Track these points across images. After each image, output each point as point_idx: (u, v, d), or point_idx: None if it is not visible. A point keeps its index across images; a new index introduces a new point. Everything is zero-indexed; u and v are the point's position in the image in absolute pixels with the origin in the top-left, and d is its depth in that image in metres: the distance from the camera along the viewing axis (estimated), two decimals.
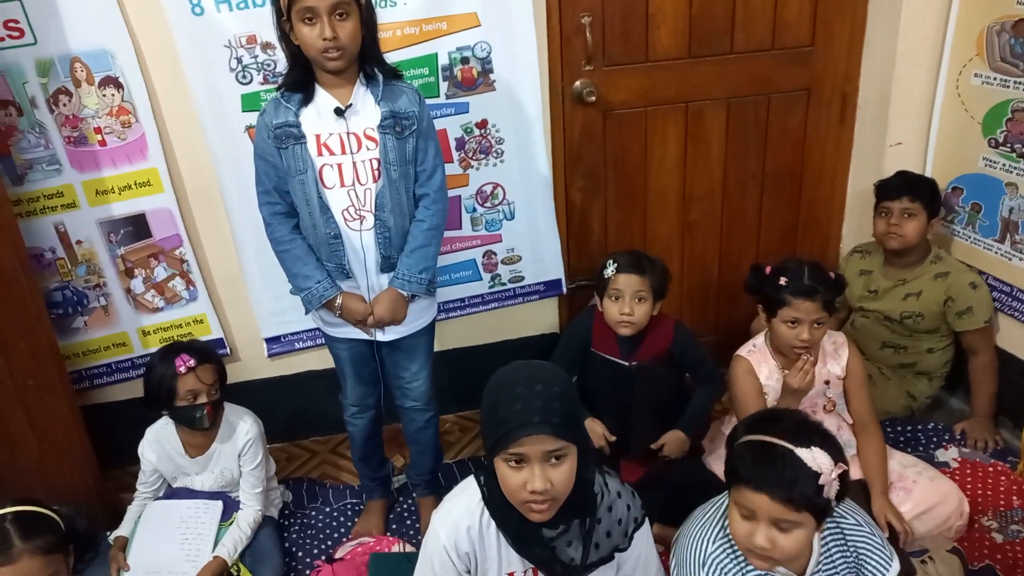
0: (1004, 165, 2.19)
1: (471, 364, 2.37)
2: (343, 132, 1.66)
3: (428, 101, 1.84)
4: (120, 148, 2.07)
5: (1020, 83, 2.10)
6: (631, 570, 1.44)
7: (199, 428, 1.93)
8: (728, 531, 1.42)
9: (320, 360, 2.37)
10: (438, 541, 1.36)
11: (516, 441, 1.20)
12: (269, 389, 2.41)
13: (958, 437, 2.22)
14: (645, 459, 2.05)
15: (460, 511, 1.36)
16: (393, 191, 1.69)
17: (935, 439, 2.23)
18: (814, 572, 1.41)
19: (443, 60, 2.11)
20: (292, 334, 2.35)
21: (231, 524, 1.95)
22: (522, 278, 2.44)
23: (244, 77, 2.02)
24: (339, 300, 1.76)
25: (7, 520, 1.30)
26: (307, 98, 1.66)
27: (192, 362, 1.87)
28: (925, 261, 2.27)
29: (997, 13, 2.12)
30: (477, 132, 2.22)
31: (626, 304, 1.92)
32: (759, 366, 2.00)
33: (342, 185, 1.69)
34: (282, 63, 1.82)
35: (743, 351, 2.04)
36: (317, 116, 1.66)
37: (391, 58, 1.85)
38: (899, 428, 2.27)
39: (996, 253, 2.26)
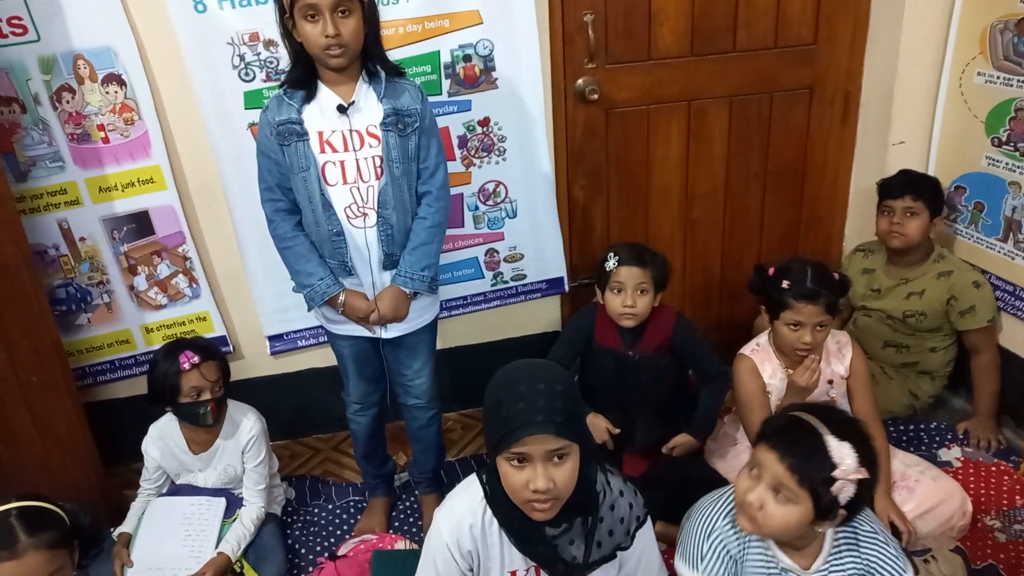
0: (1007, 164, 2.19)
1: (473, 362, 2.38)
2: (346, 129, 1.66)
3: (430, 99, 1.84)
4: (123, 145, 2.07)
5: (1023, 82, 2.10)
6: (633, 568, 1.44)
7: (202, 425, 1.93)
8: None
9: (323, 358, 2.37)
10: (441, 539, 1.36)
11: (519, 440, 1.20)
12: (272, 386, 2.41)
13: (961, 436, 2.21)
14: (648, 452, 2.06)
15: (463, 509, 1.36)
16: (396, 188, 1.69)
17: (938, 438, 2.23)
18: (820, 569, 1.41)
19: (445, 58, 2.11)
20: (295, 332, 2.36)
21: (234, 521, 1.96)
22: (524, 276, 2.44)
23: (247, 74, 2.02)
24: (342, 297, 1.76)
25: (12, 515, 1.30)
26: (310, 95, 1.66)
27: (196, 359, 1.87)
28: (928, 260, 2.27)
29: (1000, 11, 2.11)
30: (479, 130, 2.22)
31: (628, 296, 1.93)
32: (763, 365, 2.00)
33: (345, 182, 1.69)
34: (284, 60, 1.82)
35: (746, 350, 2.04)
36: (320, 113, 1.66)
37: (393, 55, 1.85)
38: (902, 427, 2.27)
39: (999, 252, 2.25)
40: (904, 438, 2.24)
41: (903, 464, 1.95)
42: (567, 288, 2.49)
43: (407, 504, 2.20)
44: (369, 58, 1.66)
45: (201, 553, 1.88)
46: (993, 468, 2.08)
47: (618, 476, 1.42)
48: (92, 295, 2.21)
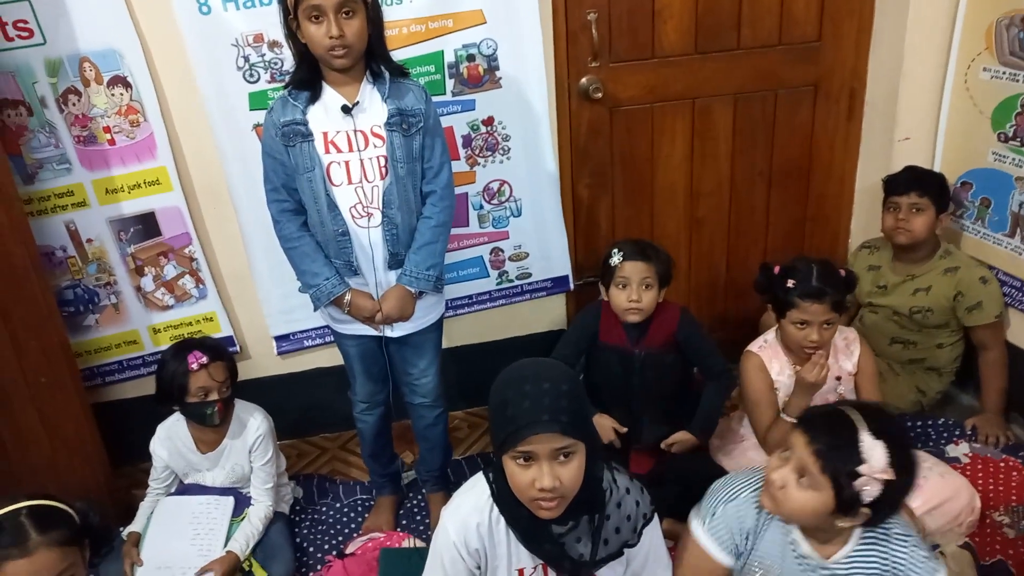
0: (1014, 159, 2.18)
1: (479, 361, 2.38)
2: (350, 130, 1.67)
3: (434, 98, 1.84)
4: (129, 147, 2.08)
5: None
6: (640, 566, 1.44)
7: (210, 425, 1.94)
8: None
9: (329, 357, 2.38)
10: (448, 538, 1.37)
11: (524, 439, 1.20)
12: (279, 386, 2.42)
13: (969, 432, 2.21)
14: (655, 450, 2.05)
15: (469, 508, 1.37)
16: (400, 188, 1.69)
17: (945, 435, 2.22)
18: (839, 561, 1.40)
19: (449, 57, 2.11)
20: (301, 332, 2.36)
21: (242, 520, 1.97)
22: (529, 275, 2.45)
23: (251, 76, 2.03)
24: (347, 297, 1.76)
25: (22, 514, 1.31)
26: (314, 96, 1.66)
27: (204, 359, 1.88)
28: (934, 256, 2.27)
29: (1006, 7, 2.10)
30: (484, 129, 2.22)
31: (633, 291, 1.93)
32: (770, 362, 2.00)
33: (349, 182, 1.69)
34: (289, 61, 1.83)
35: (754, 347, 2.04)
36: (324, 114, 1.66)
37: (397, 56, 1.85)
38: (909, 424, 2.26)
39: (1006, 248, 2.25)
40: (912, 434, 2.23)
41: None
42: (572, 286, 2.49)
43: (414, 502, 2.21)
44: (373, 58, 1.66)
45: (210, 552, 1.89)
46: (1001, 464, 2.07)
47: (624, 474, 1.42)
48: (99, 296, 2.23)
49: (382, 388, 1.99)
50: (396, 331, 1.83)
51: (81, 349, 2.24)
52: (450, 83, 2.14)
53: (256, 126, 2.05)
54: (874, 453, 1.27)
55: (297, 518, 2.17)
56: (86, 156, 2.07)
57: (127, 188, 2.12)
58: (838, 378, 2.00)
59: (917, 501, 1.84)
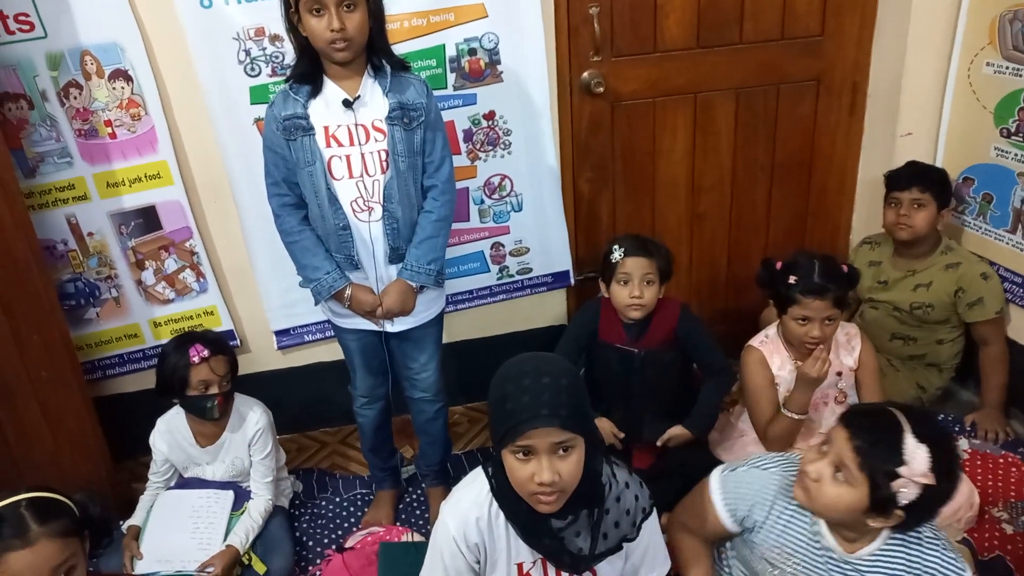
0: (1016, 155, 2.17)
1: (480, 356, 2.37)
2: (351, 124, 1.66)
3: (436, 93, 1.84)
4: (130, 141, 2.08)
5: None
6: (639, 560, 1.44)
7: (209, 418, 1.95)
8: (792, 490, 1.43)
9: (329, 352, 2.38)
10: (447, 532, 1.37)
11: (524, 434, 1.20)
12: (279, 380, 2.43)
13: (968, 428, 2.21)
14: (655, 446, 2.05)
15: (469, 502, 1.37)
16: (401, 182, 1.69)
17: None
18: (863, 558, 1.38)
19: (450, 51, 2.11)
20: (302, 327, 2.36)
21: (242, 513, 1.97)
22: (530, 270, 2.44)
23: (252, 69, 2.03)
24: (348, 291, 1.76)
25: (23, 505, 1.32)
26: (315, 90, 1.66)
27: (206, 353, 1.88)
28: (935, 252, 2.26)
29: (1010, 1, 2.09)
30: (485, 124, 2.22)
31: (635, 287, 1.93)
32: (771, 357, 2.00)
33: (350, 176, 1.69)
34: (290, 55, 1.82)
35: (755, 341, 2.04)
36: (325, 108, 1.66)
37: (398, 49, 1.85)
38: None
39: (1007, 244, 2.24)
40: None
41: None
42: (573, 281, 2.49)
43: (414, 497, 2.21)
44: (374, 52, 1.66)
45: (210, 545, 1.90)
46: (1001, 460, 2.07)
47: (624, 468, 1.43)
48: (100, 290, 2.23)
49: (382, 382, 1.99)
50: (396, 326, 1.83)
51: (82, 343, 2.25)
52: (451, 77, 2.14)
53: (257, 120, 2.05)
54: (916, 456, 1.24)
55: (297, 512, 2.18)
56: (87, 150, 2.07)
57: (128, 182, 2.12)
58: (839, 373, 2.00)
59: None
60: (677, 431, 2.01)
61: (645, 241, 1.98)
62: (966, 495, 1.87)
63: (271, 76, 2.04)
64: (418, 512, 2.16)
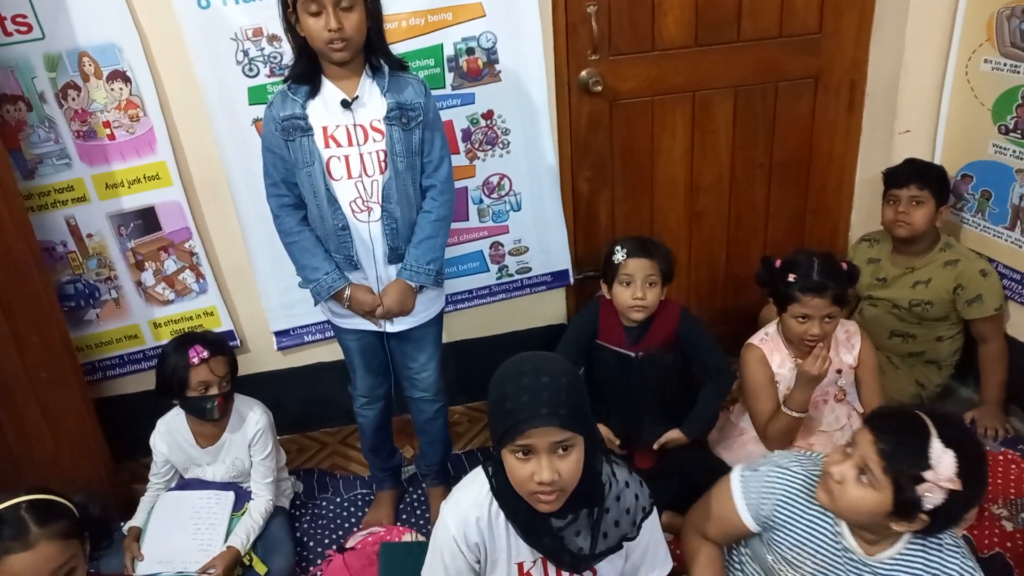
0: (1014, 152, 2.17)
1: (479, 355, 2.37)
2: (350, 124, 1.66)
3: (434, 92, 1.84)
4: (129, 142, 2.08)
5: None
6: (639, 559, 1.44)
7: (209, 419, 1.95)
8: (815, 490, 1.41)
9: (329, 352, 2.38)
10: (447, 532, 1.37)
11: (523, 433, 1.20)
12: (279, 381, 2.43)
13: (968, 425, 2.21)
14: (656, 448, 2.05)
15: (469, 502, 1.37)
16: (400, 182, 1.69)
17: None
18: (883, 562, 1.37)
19: (448, 51, 2.11)
20: (301, 327, 2.36)
21: (243, 514, 1.97)
22: (529, 269, 2.45)
23: (251, 70, 2.03)
24: (347, 291, 1.76)
25: (22, 508, 1.32)
26: (314, 90, 1.66)
27: (205, 354, 1.88)
28: (934, 249, 2.26)
29: None
30: (483, 123, 2.22)
31: (638, 288, 1.92)
32: (771, 354, 2.00)
33: (349, 177, 1.69)
34: (288, 55, 1.83)
35: (755, 339, 2.04)
36: (324, 108, 1.66)
37: (396, 49, 1.85)
38: None
39: (1006, 241, 2.24)
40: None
41: None
42: (572, 281, 2.49)
43: (414, 497, 2.22)
44: (372, 52, 1.66)
45: (210, 546, 1.90)
46: (1000, 457, 2.07)
47: (624, 467, 1.43)
48: (100, 291, 2.23)
49: (382, 383, 2.00)
50: (396, 326, 1.83)
51: (82, 344, 2.25)
52: (449, 77, 2.14)
53: (256, 120, 2.05)
54: (943, 460, 1.23)
55: (297, 512, 2.18)
56: (86, 151, 2.07)
57: (127, 183, 2.12)
58: (839, 371, 2.00)
59: None
60: (674, 435, 1.99)
61: (647, 242, 1.97)
62: None
63: (269, 76, 2.04)
64: (418, 512, 2.17)
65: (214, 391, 1.91)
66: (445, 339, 2.03)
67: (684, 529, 1.60)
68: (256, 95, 2.05)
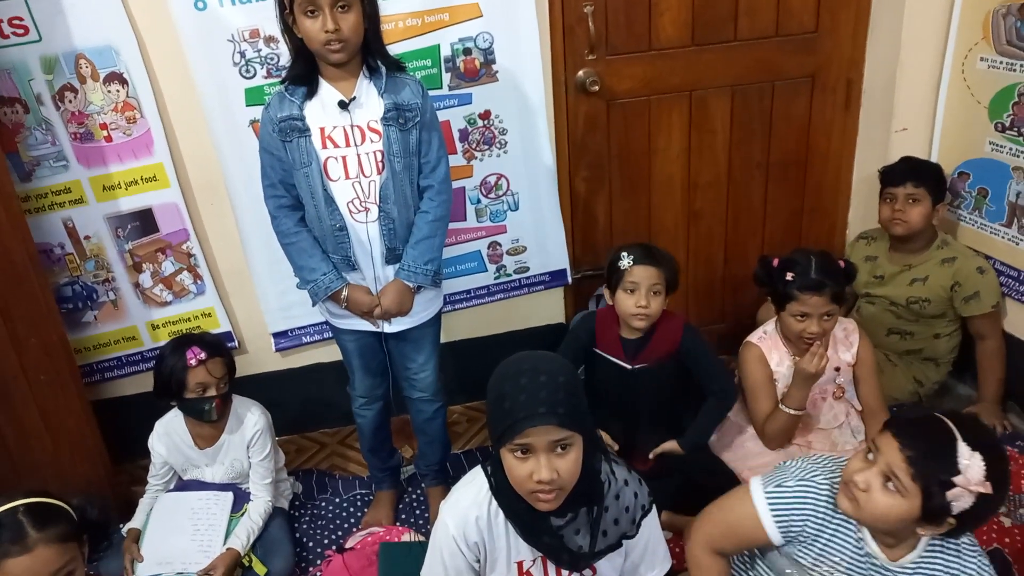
0: (1011, 149, 2.18)
1: (478, 355, 2.37)
2: (347, 125, 1.67)
3: (431, 93, 1.84)
4: (126, 144, 2.08)
5: None
6: (639, 557, 1.45)
7: (207, 421, 1.95)
8: (836, 493, 1.38)
9: (328, 353, 2.38)
10: (447, 532, 1.37)
11: (522, 432, 1.20)
12: (277, 382, 2.43)
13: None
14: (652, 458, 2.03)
15: (468, 501, 1.37)
16: (397, 183, 1.70)
17: None
18: (905, 566, 1.36)
19: (445, 51, 2.11)
20: (299, 328, 2.36)
21: (242, 515, 1.97)
22: (527, 269, 2.45)
23: (248, 71, 2.03)
24: (345, 292, 1.76)
25: (20, 511, 1.32)
26: (311, 91, 1.66)
27: (203, 355, 1.88)
28: (931, 246, 2.27)
29: None
30: (480, 123, 2.22)
31: (642, 296, 1.88)
32: (770, 353, 2.00)
33: (346, 177, 1.69)
34: (285, 57, 1.83)
35: (753, 337, 2.04)
36: (321, 109, 1.66)
37: (393, 50, 1.85)
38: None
39: (1003, 238, 2.25)
40: None
41: None
42: (570, 280, 2.49)
43: (413, 497, 2.22)
44: (369, 53, 1.66)
45: (210, 547, 1.90)
46: None
47: (623, 465, 1.43)
48: (98, 293, 2.23)
49: (381, 383, 2.00)
50: (394, 326, 1.83)
51: (80, 346, 2.24)
52: (447, 77, 2.14)
53: (253, 122, 2.05)
54: (972, 465, 1.21)
55: (297, 513, 2.18)
56: (83, 153, 2.07)
57: (124, 185, 2.12)
58: (837, 369, 2.00)
59: None
60: (671, 446, 1.97)
61: (653, 250, 1.93)
62: None
63: (266, 78, 2.04)
64: (418, 512, 2.17)
65: (212, 392, 1.90)
66: (443, 339, 2.03)
67: (691, 542, 1.55)
68: (253, 96, 2.05)
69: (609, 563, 1.40)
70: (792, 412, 1.91)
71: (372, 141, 1.68)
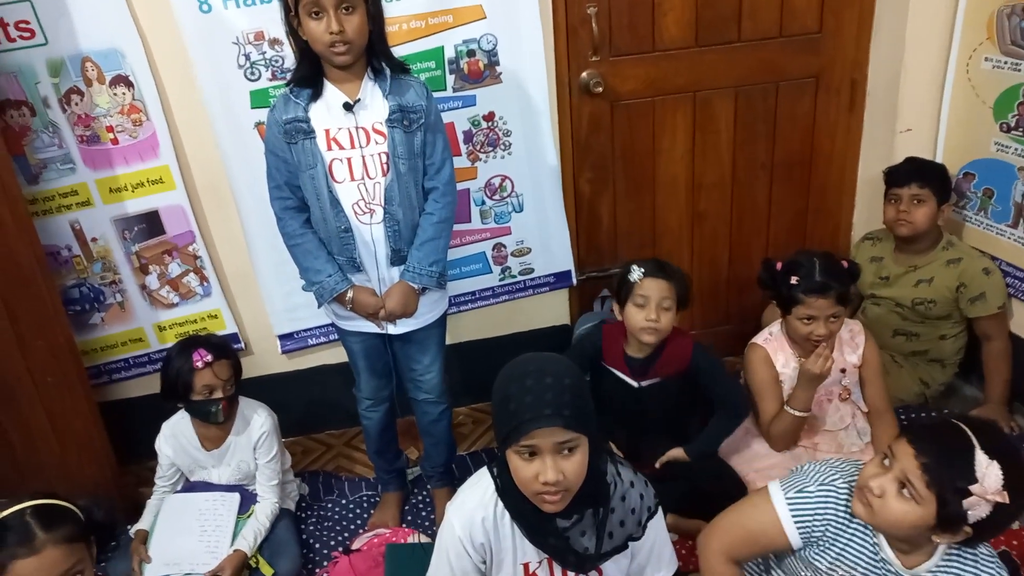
0: (1016, 149, 2.17)
1: (483, 357, 2.38)
2: (352, 126, 1.67)
3: (435, 94, 1.84)
4: (132, 146, 2.09)
5: None
6: (645, 559, 1.44)
7: (214, 422, 1.95)
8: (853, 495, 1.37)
9: (333, 355, 2.38)
10: (453, 533, 1.37)
11: (527, 434, 1.20)
12: (283, 384, 2.43)
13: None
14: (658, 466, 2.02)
15: (474, 503, 1.37)
16: (402, 185, 1.70)
17: None
18: (921, 574, 1.35)
19: (449, 53, 2.11)
20: (305, 330, 2.37)
21: (249, 516, 1.98)
22: (532, 270, 2.45)
23: (252, 74, 2.04)
24: (350, 294, 1.77)
25: (27, 513, 1.32)
26: (316, 93, 1.66)
27: (209, 357, 1.89)
28: (936, 247, 2.26)
29: None
30: (484, 125, 2.22)
31: (652, 310, 1.85)
32: (775, 354, 2.00)
33: (352, 179, 1.70)
34: (290, 59, 1.83)
35: (759, 339, 2.04)
36: (326, 111, 1.67)
37: (398, 52, 1.85)
38: (913, 416, 2.26)
39: (1009, 238, 2.24)
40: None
41: None
42: (575, 281, 2.49)
43: (419, 498, 2.22)
44: (374, 55, 1.66)
45: (217, 548, 1.90)
46: None
47: (628, 467, 1.43)
48: (105, 294, 2.24)
49: (386, 384, 2.00)
50: (399, 328, 1.83)
51: (87, 347, 2.25)
52: (451, 79, 2.15)
53: (258, 124, 2.06)
54: (990, 473, 1.20)
55: (303, 515, 2.18)
56: (89, 156, 2.07)
57: (131, 187, 2.13)
58: (843, 370, 2.00)
59: None
60: (677, 453, 1.97)
61: (665, 265, 1.91)
62: None
63: (271, 80, 2.05)
64: (424, 513, 2.17)
65: (218, 394, 1.91)
66: (449, 341, 2.03)
67: (706, 551, 1.52)
68: (258, 99, 2.05)
69: (615, 565, 1.40)
70: (797, 414, 1.91)
71: (377, 143, 1.68)
